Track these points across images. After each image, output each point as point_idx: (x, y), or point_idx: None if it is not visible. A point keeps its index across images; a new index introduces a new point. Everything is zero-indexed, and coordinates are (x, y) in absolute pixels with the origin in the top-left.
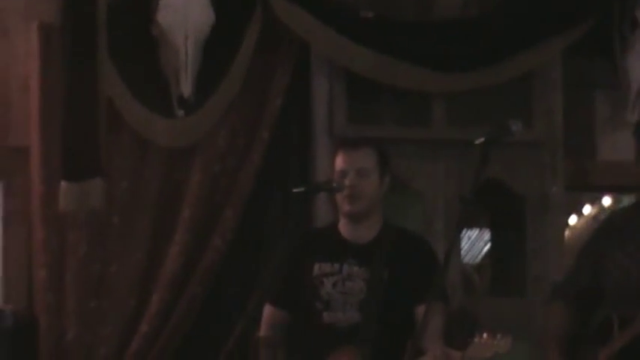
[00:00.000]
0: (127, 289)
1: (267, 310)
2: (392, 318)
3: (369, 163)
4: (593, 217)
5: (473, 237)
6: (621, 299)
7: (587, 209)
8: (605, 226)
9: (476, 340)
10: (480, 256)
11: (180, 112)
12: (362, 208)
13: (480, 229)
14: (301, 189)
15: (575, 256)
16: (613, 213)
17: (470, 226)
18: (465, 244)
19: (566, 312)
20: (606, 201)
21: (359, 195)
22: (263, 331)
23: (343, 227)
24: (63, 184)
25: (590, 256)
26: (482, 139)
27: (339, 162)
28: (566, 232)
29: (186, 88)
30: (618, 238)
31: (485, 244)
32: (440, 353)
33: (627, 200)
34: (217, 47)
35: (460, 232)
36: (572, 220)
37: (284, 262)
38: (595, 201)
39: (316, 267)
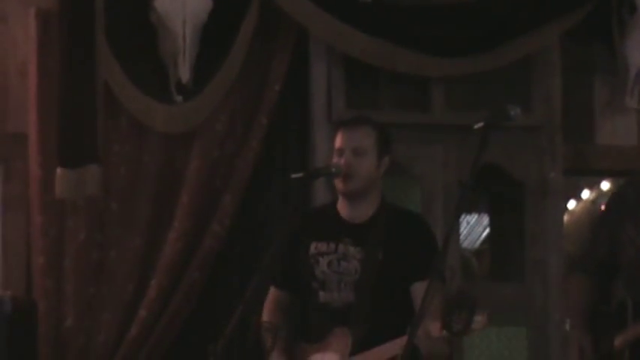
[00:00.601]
0: (125, 274)
1: (271, 291)
2: (388, 297)
3: (366, 142)
4: (592, 202)
5: (472, 222)
6: (635, 277)
7: (585, 194)
8: (617, 199)
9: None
10: (478, 241)
11: (179, 98)
12: (357, 187)
13: (479, 214)
14: (300, 175)
15: (591, 229)
16: (625, 183)
17: (469, 211)
18: (463, 229)
19: (587, 284)
20: (605, 185)
21: (354, 174)
22: (265, 314)
23: (341, 206)
24: (59, 170)
25: (605, 229)
26: (481, 124)
27: (337, 141)
28: (565, 217)
29: (185, 73)
30: (630, 212)
31: (484, 229)
32: (421, 333)
33: None
34: (216, 33)
35: (459, 217)
36: (571, 204)
37: (283, 244)
38: (594, 185)
39: (312, 246)
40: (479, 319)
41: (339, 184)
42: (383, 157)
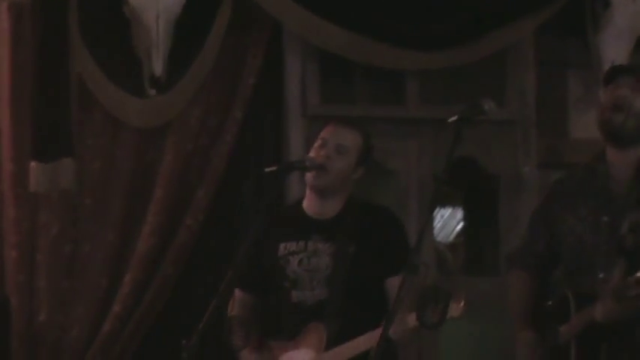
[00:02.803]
0: (99, 269)
1: (236, 293)
2: (361, 292)
3: (351, 143)
4: None
5: (446, 216)
6: (576, 267)
7: None
8: (556, 190)
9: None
10: (453, 235)
11: (152, 92)
12: (327, 183)
13: (453, 208)
14: (274, 168)
15: (528, 222)
16: (564, 176)
17: (443, 205)
18: (438, 223)
19: (527, 280)
20: None
21: (329, 168)
22: (233, 310)
23: (308, 203)
24: (32, 164)
25: (542, 221)
26: (455, 118)
27: (324, 131)
28: None
29: (158, 67)
30: (570, 202)
31: (459, 223)
32: (397, 322)
33: None
34: (189, 26)
35: (433, 210)
36: None
37: (253, 242)
38: None
39: (282, 246)
40: (455, 306)
41: (310, 177)
42: (360, 166)
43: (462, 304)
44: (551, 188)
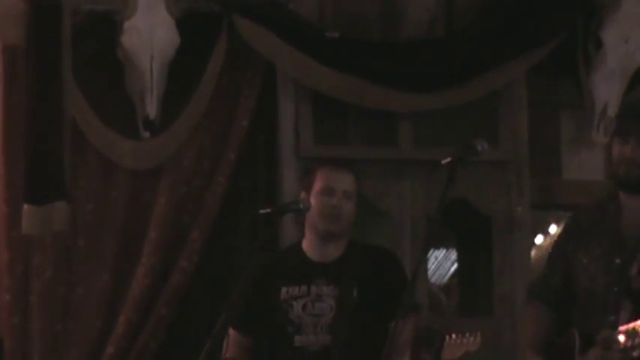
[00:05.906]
0: (93, 311)
1: (232, 334)
2: (365, 336)
3: (353, 187)
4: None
5: (440, 257)
6: (589, 307)
7: (553, 228)
8: (570, 228)
9: (445, 341)
10: (446, 276)
11: (146, 134)
12: (341, 229)
13: (447, 249)
14: (268, 210)
15: (547, 256)
16: (576, 214)
17: (437, 246)
18: (431, 264)
19: (543, 312)
20: None
21: (342, 215)
22: (228, 352)
23: (310, 247)
24: (25, 207)
25: (560, 257)
26: (448, 159)
27: (326, 179)
28: (533, 252)
29: (152, 109)
30: (584, 241)
31: (452, 264)
32: None
33: None
34: (183, 69)
35: (427, 252)
36: (539, 239)
37: (248, 285)
38: (561, 220)
39: (284, 290)
40: (473, 340)
41: (323, 223)
42: (356, 205)
43: (479, 338)
44: (566, 225)
